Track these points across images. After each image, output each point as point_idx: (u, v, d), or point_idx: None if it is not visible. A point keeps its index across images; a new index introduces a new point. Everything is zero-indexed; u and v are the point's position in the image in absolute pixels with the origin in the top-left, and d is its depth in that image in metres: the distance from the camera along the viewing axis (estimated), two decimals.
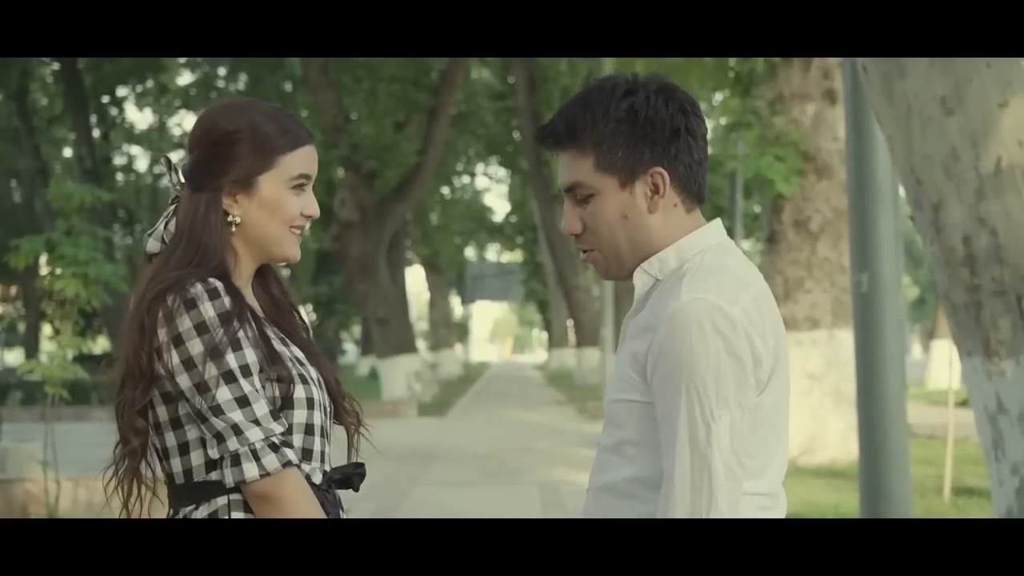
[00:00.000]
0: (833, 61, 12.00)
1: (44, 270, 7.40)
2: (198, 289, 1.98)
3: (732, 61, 12.20)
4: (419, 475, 11.62)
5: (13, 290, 37.24)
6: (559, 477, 11.69)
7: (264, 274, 2.21)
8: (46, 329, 35.27)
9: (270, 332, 2.09)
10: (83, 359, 9.70)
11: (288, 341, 2.13)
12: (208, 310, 1.97)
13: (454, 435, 16.78)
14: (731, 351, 1.84)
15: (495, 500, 10.27)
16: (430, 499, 10.16)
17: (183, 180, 2.12)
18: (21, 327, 38.69)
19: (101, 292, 7.22)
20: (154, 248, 2.12)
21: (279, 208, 2.10)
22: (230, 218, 2.09)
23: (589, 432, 16.73)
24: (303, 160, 2.12)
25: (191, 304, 1.97)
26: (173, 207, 2.14)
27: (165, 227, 2.12)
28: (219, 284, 2.00)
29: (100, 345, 35.42)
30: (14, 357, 43.95)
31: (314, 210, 2.14)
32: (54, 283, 7.07)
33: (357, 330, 40.60)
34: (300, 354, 2.12)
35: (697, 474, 1.83)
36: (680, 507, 1.84)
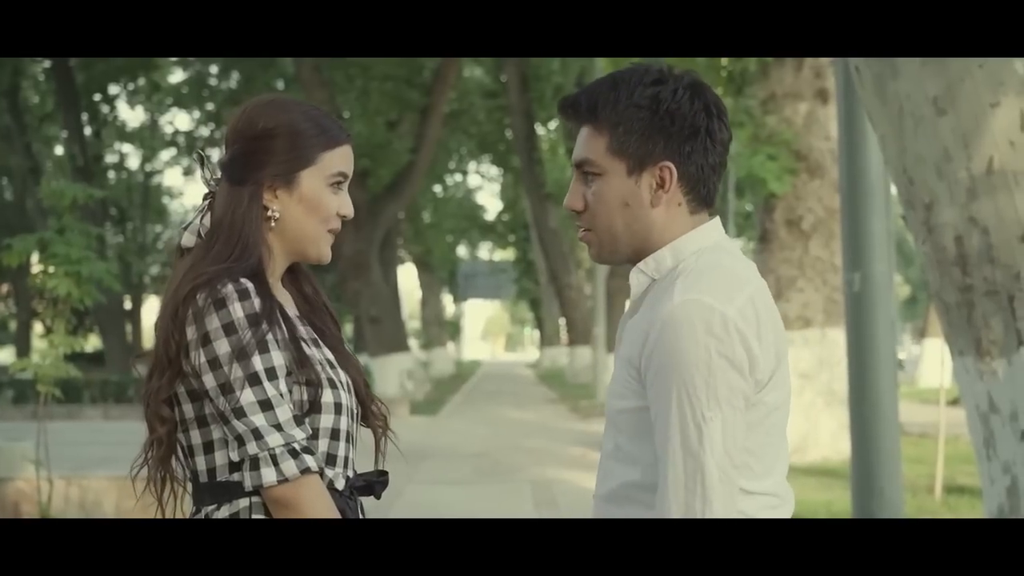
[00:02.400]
0: (825, 60, 12.01)
1: (36, 268, 7.37)
2: (229, 289, 1.98)
3: (724, 60, 12.20)
4: (412, 474, 11.61)
5: (4, 288, 37.15)
6: (552, 476, 11.69)
7: (296, 271, 2.20)
8: (37, 327, 35.22)
9: (301, 333, 2.08)
10: (75, 358, 9.69)
11: (320, 342, 2.13)
12: (237, 311, 1.97)
13: (446, 434, 16.77)
14: (722, 352, 1.83)
15: (488, 499, 10.27)
16: (423, 498, 10.15)
17: (220, 174, 2.11)
18: (12, 325, 38.59)
19: (93, 291, 7.20)
20: (189, 242, 2.12)
21: (318, 205, 2.10)
22: (269, 213, 2.09)
23: (581, 431, 16.74)
24: (342, 158, 2.13)
25: (221, 304, 1.97)
26: (207, 202, 2.13)
27: (200, 221, 2.12)
28: (250, 285, 1.99)
29: (92, 344, 35.37)
30: (5, 355, 43.84)
31: (349, 210, 2.14)
32: (46, 282, 7.04)
33: (349, 328, 40.55)
34: (331, 356, 2.12)
35: (691, 477, 1.83)
36: (676, 510, 1.84)
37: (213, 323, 1.97)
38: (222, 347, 1.96)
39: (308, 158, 2.09)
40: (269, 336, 1.98)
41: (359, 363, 2.22)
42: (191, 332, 1.98)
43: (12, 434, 10.20)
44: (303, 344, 2.06)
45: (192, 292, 1.99)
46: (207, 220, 2.11)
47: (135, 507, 2.12)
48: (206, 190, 2.15)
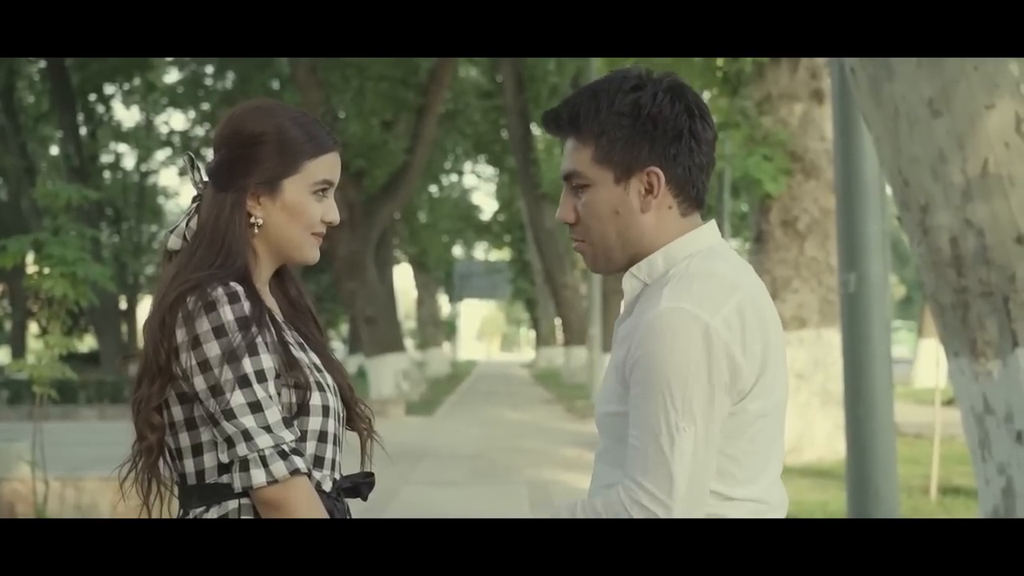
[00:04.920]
0: (821, 61, 12.03)
1: (31, 269, 7.37)
2: (219, 292, 1.99)
3: (720, 61, 12.21)
4: (407, 475, 11.61)
5: (0, 289, 37.10)
6: (547, 476, 11.69)
7: (282, 275, 2.21)
8: (33, 328, 35.17)
9: (289, 337, 2.09)
10: (70, 358, 9.67)
11: (305, 346, 2.14)
12: (227, 313, 1.98)
13: (442, 434, 16.77)
14: (702, 363, 1.83)
15: (483, 499, 10.26)
16: (419, 499, 10.15)
17: (207, 179, 2.12)
18: (8, 326, 38.55)
19: (88, 292, 7.20)
20: (175, 245, 2.13)
21: (301, 213, 2.10)
22: (252, 220, 2.09)
23: (577, 431, 16.74)
24: (327, 166, 2.12)
25: (211, 307, 1.98)
26: (195, 205, 2.14)
27: (187, 224, 2.13)
28: (239, 288, 2.00)
29: (87, 344, 35.35)
30: (1, 356, 43.78)
31: (334, 216, 2.14)
32: (41, 282, 7.04)
33: (345, 329, 40.55)
34: (317, 360, 2.13)
35: (657, 482, 1.84)
36: (638, 512, 1.85)
37: (203, 326, 1.97)
38: (212, 349, 1.97)
39: (292, 166, 2.09)
40: (259, 339, 1.99)
41: (343, 367, 2.22)
42: (181, 335, 1.99)
43: (8, 435, 10.19)
44: (291, 347, 2.07)
45: (180, 297, 2.00)
46: (193, 223, 2.12)
47: (125, 508, 2.12)
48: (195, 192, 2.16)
